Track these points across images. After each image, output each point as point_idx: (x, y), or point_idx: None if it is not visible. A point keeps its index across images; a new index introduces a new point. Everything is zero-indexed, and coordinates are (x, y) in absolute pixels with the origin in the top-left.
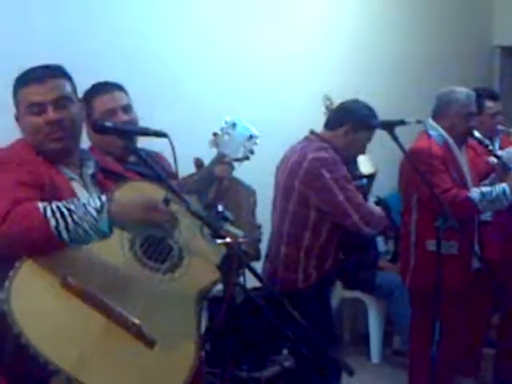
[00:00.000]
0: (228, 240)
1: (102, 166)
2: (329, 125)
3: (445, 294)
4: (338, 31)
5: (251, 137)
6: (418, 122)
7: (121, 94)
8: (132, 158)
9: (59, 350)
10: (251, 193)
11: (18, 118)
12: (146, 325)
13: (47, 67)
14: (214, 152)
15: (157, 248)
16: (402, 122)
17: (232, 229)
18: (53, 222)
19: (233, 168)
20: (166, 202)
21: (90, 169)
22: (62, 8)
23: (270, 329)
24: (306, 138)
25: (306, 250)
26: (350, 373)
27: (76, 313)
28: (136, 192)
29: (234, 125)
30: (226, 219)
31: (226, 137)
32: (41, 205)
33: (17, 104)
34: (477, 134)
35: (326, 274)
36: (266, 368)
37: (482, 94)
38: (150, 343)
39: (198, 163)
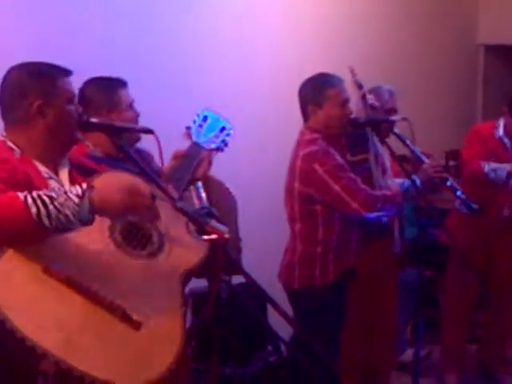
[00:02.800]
0: (214, 236)
1: (75, 162)
2: (303, 117)
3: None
4: (319, 24)
5: (223, 128)
6: (403, 119)
7: (128, 90)
8: (121, 155)
9: (45, 333)
10: (234, 202)
11: (38, 107)
12: (130, 307)
13: (59, 65)
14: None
15: (136, 235)
16: (387, 120)
17: (218, 225)
18: (33, 210)
19: (209, 156)
20: (152, 197)
21: (65, 166)
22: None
23: (254, 325)
24: (300, 132)
25: (322, 244)
26: (335, 372)
27: (60, 297)
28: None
29: (205, 117)
30: (211, 215)
31: (199, 129)
32: (21, 194)
33: (51, 93)
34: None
35: (346, 271)
36: (250, 364)
37: None
38: (136, 324)
39: (177, 155)
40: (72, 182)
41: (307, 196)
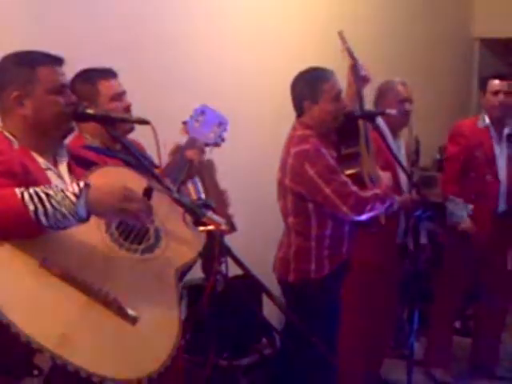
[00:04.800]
0: (210, 227)
1: (75, 153)
2: (297, 112)
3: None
4: (315, 17)
5: (221, 123)
6: (400, 112)
7: (118, 80)
8: (118, 146)
9: (41, 328)
10: (210, 164)
11: (15, 98)
12: (126, 301)
13: (49, 53)
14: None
15: (133, 230)
16: (383, 113)
17: (214, 216)
18: (31, 207)
19: (203, 152)
20: (149, 189)
21: (63, 157)
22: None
23: (250, 317)
24: (293, 127)
25: (316, 240)
26: (333, 360)
27: (55, 292)
28: (111, 178)
29: (202, 112)
30: (208, 207)
31: (196, 124)
32: (18, 190)
33: (28, 82)
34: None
35: (339, 265)
36: (245, 356)
37: (491, 75)
38: (132, 319)
39: (176, 149)
40: (71, 173)
41: (298, 193)
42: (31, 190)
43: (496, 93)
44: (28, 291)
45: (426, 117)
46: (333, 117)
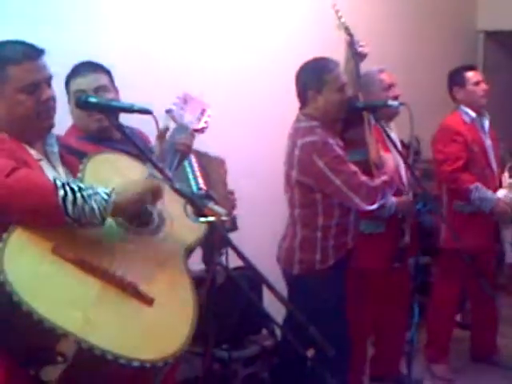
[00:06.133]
0: (211, 218)
1: (63, 143)
2: (301, 103)
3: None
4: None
5: (204, 110)
6: (402, 104)
7: (96, 75)
8: (117, 136)
9: (63, 313)
10: (220, 162)
11: None
12: (141, 283)
13: (27, 44)
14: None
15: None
16: (385, 105)
17: (215, 207)
18: (61, 193)
19: (193, 137)
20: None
21: (53, 147)
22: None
23: (250, 309)
24: (297, 118)
25: (322, 229)
26: (330, 352)
27: (71, 276)
28: (109, 167)
29: (185, 100)
30: (209, 197)
31: (180, 111)
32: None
33: (1, 82)
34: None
35: (344, 254)
36: (245, 347)
37: (461, 68)
38: (149, 301)
39: (161, 135)
40: (64, 163)
41: (306, 185)
42: (62, 179)
43: (477, 83)
44: (44, 278)
45: (430, 110)
46: (337, 108)
